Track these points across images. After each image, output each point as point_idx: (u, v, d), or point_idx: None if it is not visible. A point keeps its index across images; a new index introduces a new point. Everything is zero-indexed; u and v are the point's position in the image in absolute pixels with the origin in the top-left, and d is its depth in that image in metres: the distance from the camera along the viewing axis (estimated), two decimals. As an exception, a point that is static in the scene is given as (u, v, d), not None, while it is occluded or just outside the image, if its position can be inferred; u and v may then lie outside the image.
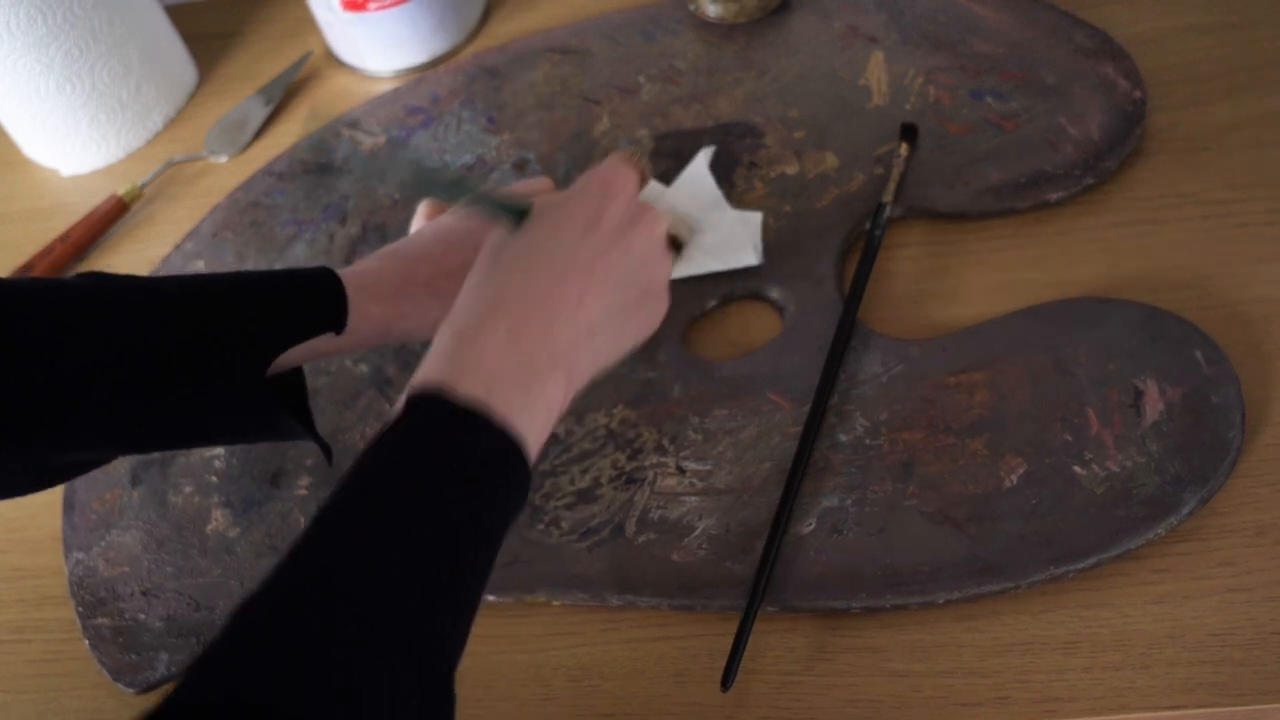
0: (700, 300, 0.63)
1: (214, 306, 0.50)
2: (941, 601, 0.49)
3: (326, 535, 0.38)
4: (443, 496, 0.39)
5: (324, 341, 0.52)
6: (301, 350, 0.51)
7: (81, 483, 0.64)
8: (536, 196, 0.50)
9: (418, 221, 0.61)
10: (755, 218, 0.64)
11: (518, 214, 0.48)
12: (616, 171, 0.50)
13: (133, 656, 0.57)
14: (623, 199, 0.49)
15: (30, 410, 0.47)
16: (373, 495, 0.39)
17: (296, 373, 0.54)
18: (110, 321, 0.48)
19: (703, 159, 0.68)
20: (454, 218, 0.58)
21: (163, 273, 0.74)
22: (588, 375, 0.46)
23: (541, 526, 0.55)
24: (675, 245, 0.63)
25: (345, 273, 0.53)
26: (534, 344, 0.43)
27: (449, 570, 0.38)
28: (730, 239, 0.64)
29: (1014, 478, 0.51)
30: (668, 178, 0.68)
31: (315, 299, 0.51)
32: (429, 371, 0.41)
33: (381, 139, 0.78)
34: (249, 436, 0.54)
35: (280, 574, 0.36)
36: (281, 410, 0.51)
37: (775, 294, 0.62)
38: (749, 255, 0.63)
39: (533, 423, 0.42)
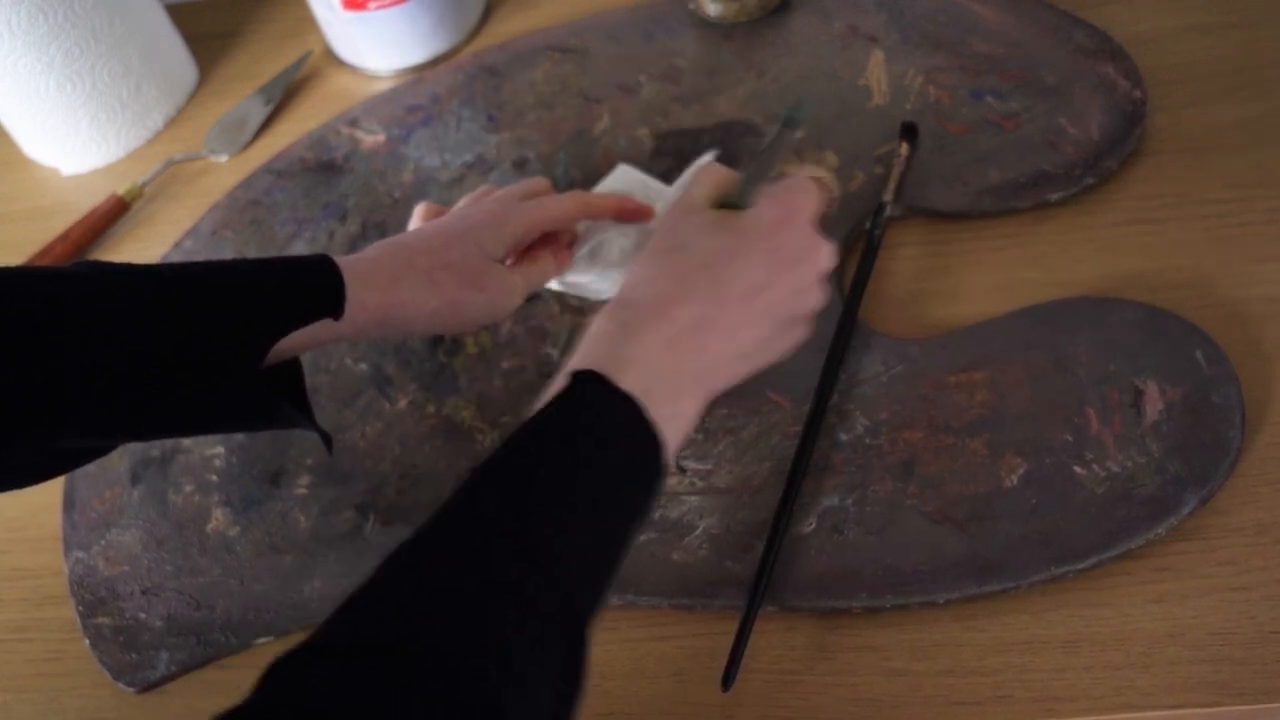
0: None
1: (212, 292, 0.50)
2: (941, 601, 0.49)
3: (483, 491, 0.40)
4: (594, 469, 0.41)
5: (322, 329, 0.52)
6: (300, 338, 0.51)
7: (81, 481, 0.64)
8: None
9: (415, 222, 0.61)
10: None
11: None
12: (805, 196, 0.50)
13: (133, 655, 0.57)
14: (801, 227, 0.50)
15: (29, 398, 0.47)
16: (530, 458, 0.41)
17: (294, 363, 0.54)
18: (108, 309, 0.48)
19: (706, 159, 0.68)
20: (454, 217, 0.58)
21: (163, 272, 0.74)
22: (718, 393, 0.47)
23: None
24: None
25: (343, 260, 0.53)
26: (686, 359, 0.45)
27: (593, 536, 0.40)
28: None
29: (1014, 477, 0.52)
30: (668, 178, 0.68)
31: (312, 285, 0.51)
32: (593, 353, 0.44)
33: (381, 137, 0.78)
34: (248, 424, 0.54)
35: (433, 524, 0.38)
36: (279, 397, 0.51)
37: (775, 293, 0.62)
38: None
39: (672, 435, 0.43)
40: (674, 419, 0.44)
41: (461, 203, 0.61)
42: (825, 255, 0.50)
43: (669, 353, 0.44)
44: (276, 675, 0.34)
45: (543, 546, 0.38)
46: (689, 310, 0.46)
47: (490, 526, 0.38)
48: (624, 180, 0.68)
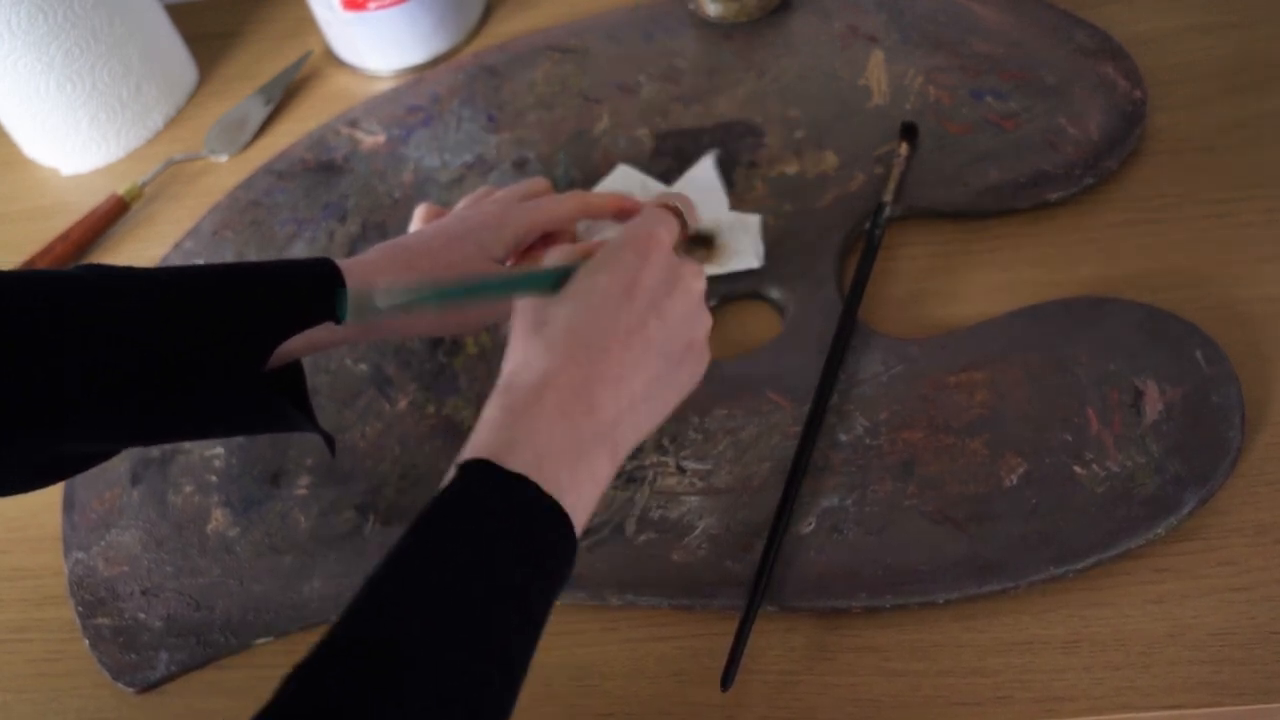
0: (700, 300, 0.63)
1: (213, 296, 0.50)
2: (941, 601, 0.49)
3: (382, 601, 0.38)
4: (495, 562, 0.39)
5: (323, 332, 0.52)
6: (301, 341, 0.51)
7: (81, 482, 0.64)
8: (576, 258, 0.50)
9: (416, 223, 0.61)
10: (754, 220, 0.64)
11: (555, 281, 0.48)
12: (651, 229, 0.49)
13: (133, 656, 0.57)
14: (657, 261, 0.48)
15: (31, 401, 0.47)
16: (426, 562, 0.39)
17: (296, 366, 0.54)
18: (110, 312, 0.48)
19: (709, 162, 0.68)
20: (454, 218, 0.58)
21: (163, 272, 0.74)
22: (632, 444, 0.46)
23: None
24: (707, 243, 0.64)
25: (344, 263, 0.53)
26: (579, 422, 0.43)
27: (501, 633, 0.39)
28: (731, 242, 0.64)
29: (1014, 477, 0.52)
30: (668, 178, 0.68)
31: (314, 288, 0.52)
32: (480, 442, 0.42)
33: (381, 137, 0.78)
34: (250, 427, 0.54)
35: (335, 639, 0.37)
36: (282, 399, 0.51)
37: (775, 294, 0.62)
38: (750, 258, 0.63)
39: (580, 498, 0.42)
40: (576, 483, 0.42)
41: (461, 204, 0.61)
42: (691, 277, 0.49)
43: (559, 423, 0.43)
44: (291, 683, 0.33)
45: (449, 655, 0.37)
46: (568, 375, 0.44)
47: (390, 643, 0.37)
48: (624, 180, 0.68)
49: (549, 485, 0.41)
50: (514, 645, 0.39)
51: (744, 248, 0.63)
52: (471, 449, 0.42)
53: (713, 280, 0.63)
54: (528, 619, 0.40)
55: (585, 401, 0.44)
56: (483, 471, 0.41)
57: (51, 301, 0.48)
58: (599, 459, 0.44)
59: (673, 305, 0.47)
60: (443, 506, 0.41)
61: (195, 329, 0.49)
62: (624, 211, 0.61)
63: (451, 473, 0.42)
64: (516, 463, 0.41)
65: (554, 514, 0.41)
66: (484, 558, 0.39)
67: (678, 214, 0.51)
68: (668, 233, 0.50)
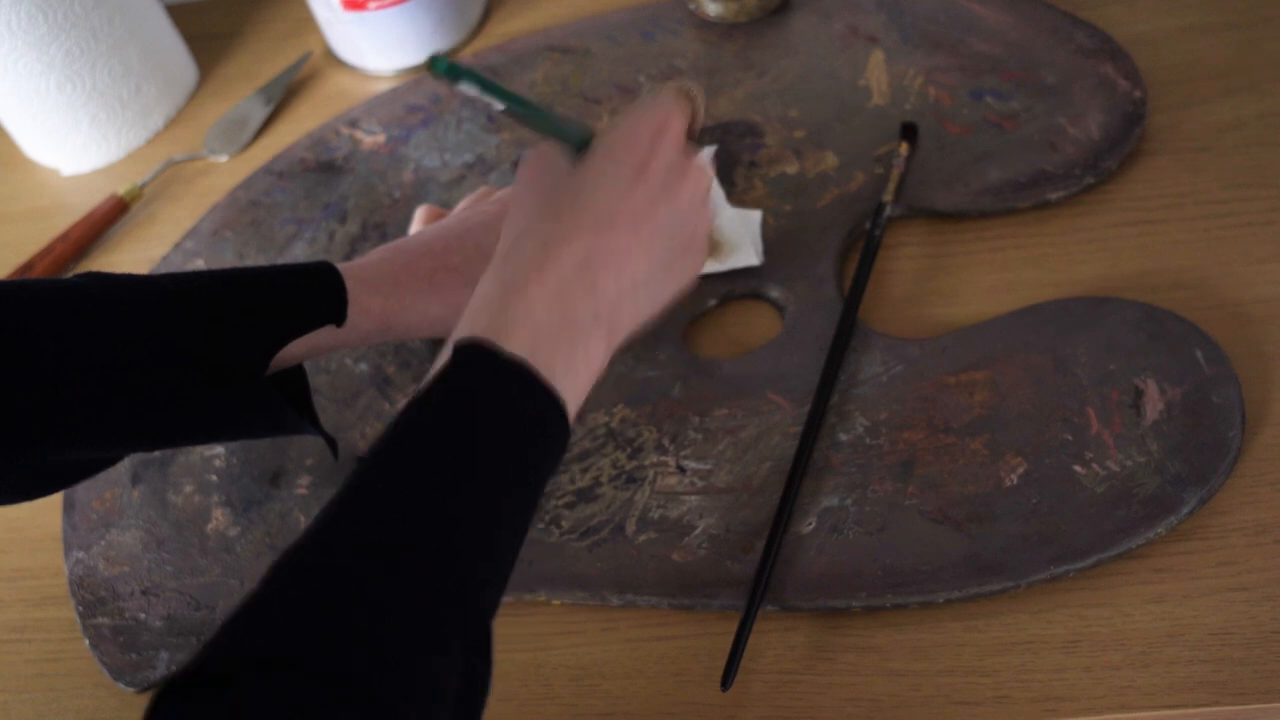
0: (700, 300, 0.63)
1: (214, 302, 0.50)
2: (941, 601, 0.49)
3: (369, 485, 0.38)
4: (485, 451, 0.39)
5: (324, 336, 0.52)
6: (302, 345, 0.51)
7: (81, 482, 0.64)
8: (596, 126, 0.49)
9: (416, 224, 0.61)
10: (755, 216, 0.64)
11: (580, 142, 0.47)
12: (667, 110, 0.48)
13: (133, 656, 0.57)
14: (670, 143, 0.47)
15: (33, 410, 0.47)
16: (416, 447, 0.39)
17: (298, 369, 0.54)
18: (111, 320, 0.48)
19: (706, 155, 0.68)
20: (454, 219, 0.58)
21: (163, 272, 0.74)
22: (627, 331, 0.45)
23: (542, 525, 0.55)
24: (710, 246, 0.64)
25: (345, 266, 0.53)
26: (579, 301, 0.42)
27: (489, 522, 0.38)
28: (731, 238, 0.64)
29: (1014, 477, 0.52)
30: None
31: (315, 292, 0.52)
32: (476, 322, 0.41)
33: (381, 137, 0.78)
34: (253, 432, 0.54)
35: (320, 524, 0.36)
36: (284, 403, 0.51)
37: (775, 294, 0.62)
38: (750, 255, 0.63)
39: (574, 383, 0.41)
40: (572, 366, 0.41)
41: (461, 205, 0.61)
42: (699, 172, 0.48)
43: (556, 301, 0.42)
44: (162, 707, 0.32)
45: (441, 543, 0.37)
46: (571, 249, 0.43)
47: (382, 528, 0.36)
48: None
49: (544, 368, 0.40)
50: (503, 534, 0.39)
51: (744, 244, 0.63)
52: (469, 326, 0.41)
53: (712, 279, 0.63)
54: (516, 510, 0.40)
55: (587, 279, 0.43)
56: (477, 360, 0.40)
57: (52, 311, 0.48)
58: (595, 341, 0.43)
59: (682, 192, 0.47)
60: (435, 396, 0.39)
61: (196, 335, 0.49)
62: None
63: (447, 353, 0.40)
64: (513, 344, 0.40)
65: (547, 405, 0.40)
66: (472, 452, 0.38)
67: (691, 101, 0.49)
68: (681, 117, 0.48)
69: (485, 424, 0.39)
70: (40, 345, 0.47)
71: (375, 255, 0.55)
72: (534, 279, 0.42)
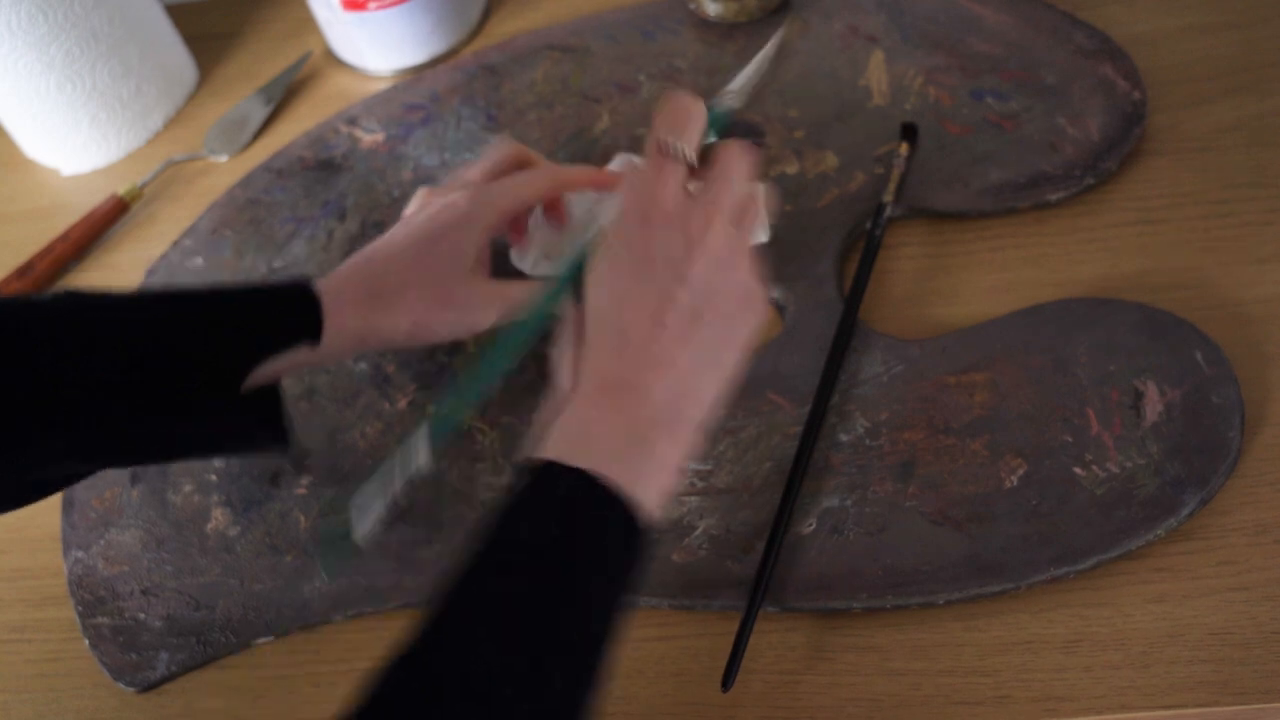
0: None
1: (190, 319, 0.50)
2: (941, 601, 0.49)
3: (461, 609, 0.39)
4: (569, 566, 0.39)
5: (300, 354, 0.52)
6: (279, 363, 0.52)
7: (81, 482, 0.64)
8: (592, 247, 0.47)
9: (413, 206, 0.60)
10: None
11: (572, 276, 0.47)
12: (644, 190, 0.45)
13: (133, 655, 0.57)
14: (662, 225, 0.44)
15: (9, 426, 0.47)
16: (502, 570, 0.39)
17: (273, 388, 0.54)
18: (85, 338, 0.49)
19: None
20: (417, 225, 0.57)
21: (160, 271, 0.74)
22: (700, 414, 0.44)
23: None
24: None
25: (320, 284, 0.53)
26: (633, 412, 0.42)
27: (581, 638, 0.39)
28: None
29: (1014, 478, 0.52)
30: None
31: (291, 311, 0.52)
32: (542, 446, 0.42)
33: (381, 136, 0.78)
34: (226, 450, 0.54)
35: (419, 643, 0.38)
36: (259, 421, 0.52)
37: (775, 294, 0.62)
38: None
39: (648, 485, 0.41)
40: (641, 471, 0.41)
41: (411, 207, 0.59)
42: (707, 226, 0.45)
43: (613, 415, 0.42)
44: None
45: (530, 660, 0.37)
46: (603, 374, 0.43)
47: (473, 650, 0.38)
48: (625, 167, 0.68)
49: (614, 477, 0.40)
50: (596, 649, 0.39)
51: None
52: (535, 450, 0.42)
53: None
54: (605, 622, 0.40)
55: (633, 393, 0.43)
56: (549, 478, 0.41)
57: (26, 329, 0.48)
58: (662, 443, 0.42)
59: (695, 267, 0.44)
60: (514, 514, 0.41)
61: (171, 353, 0.49)
62: (600, 184, 0.59)
63: (514, 479, 0.41)
64: (580, 460, 0.40)
65: (624, 512, 0.40)
66: (558, 567, 0.39)
67: (668, 151, 0.46)
68: (666, 183, 0.45)
69: (564, 532, 0.40)
70: (11, 362, 0.47)
71: (349, 270, 0.54)
72: (585, 403, 0.43)
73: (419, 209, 0.59)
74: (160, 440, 0.51)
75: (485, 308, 0.55)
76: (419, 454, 0.47)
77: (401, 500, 0.46)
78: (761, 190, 0.62)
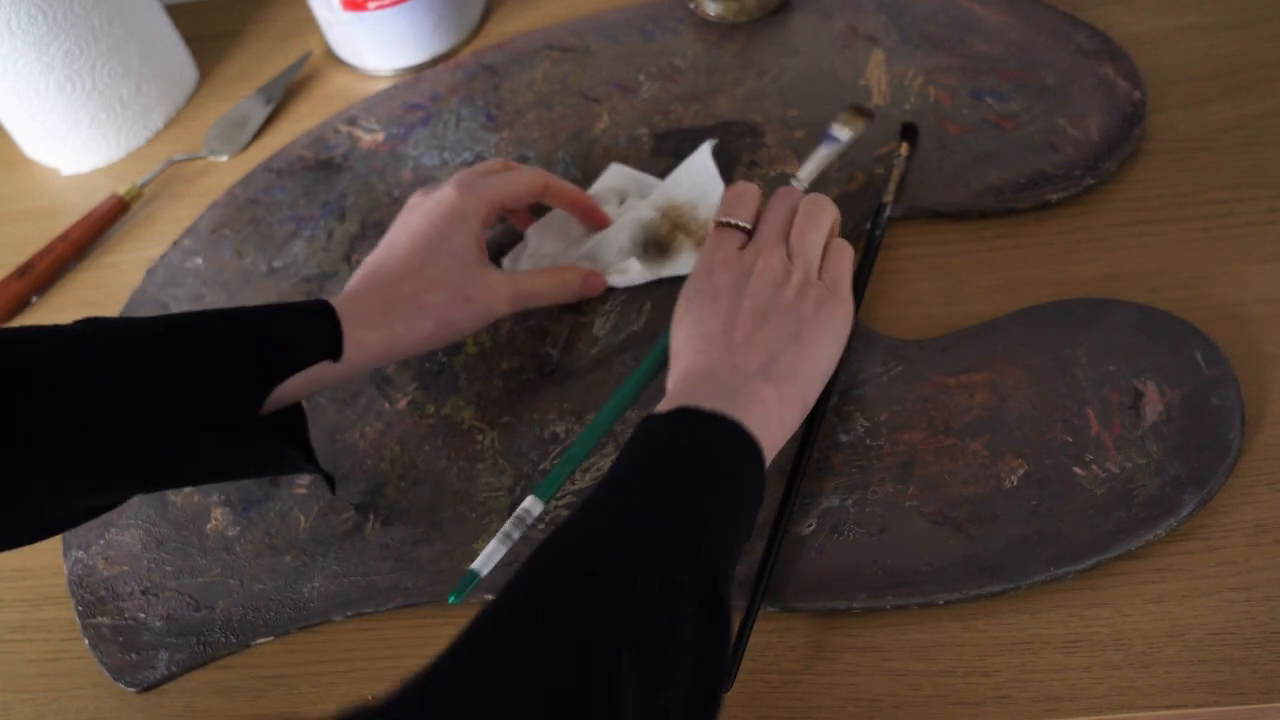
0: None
1: (207, 343, 0.50)
2: (941, 602, 0.49)
3: (621, 483, 0.45)
4: (710, 460, 0.46)
5: (322, 371, 0.52)
6: (301, 382, 0.52)
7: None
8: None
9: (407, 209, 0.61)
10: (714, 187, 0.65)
11: (659, 358, 0.56)
12: (713, 246, 0.56)
13: (133, 655, 0.57)
14: (722, 272, 0.54)
15: (32, 460, 0.47)
16: (655, 458, 0.46)
17: (296, 408, 0.54)
18: (107, 366, 0.48)
19: (706, 150, 0.68)
20: (418, 219, 0.58)
21: (160, 270, 0.74)
22: (792, 375, 0.50)
23: (543, 527, 0.55)
24: (696, 237, 0.64)
25: (336, 301, 0.54)
26: (724, 378, 0.49)
27: (722, 510, 0.45)
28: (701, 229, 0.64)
29: (1014, 478, 0.52)
30: (667, 177, 0.68)
31: (310, 329, 0.52)
32: (669, 402, 0.49)
33: (380, 135, 0.78)
34: (251, 470, 0.54)
35: (597, 493, 0.45)
36: (282, 442, 0.52)
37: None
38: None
39: (752, 416, 0.48)
40: (747, 407, 0.48)
41: (415, 196, 0.60)
42: (765, 262, 0.54)
43: (707, 382, 0.49)
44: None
45: (677, 525, 0.43)
46: (694, 367, 0.51)
47: (640, 497, 0.44)
48: (618, 178, 0.69)
49: (721, 409, 0.47)
50: (735, 521, 0.46)
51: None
52: (663, 405, 0.49)
53: None
54: (738, 506, 0.46)
55: (721, 368, 0.50)
56: (683, 411, 0.47)
57: (49, 358, 0.48)
58: (758, 386, 0.49)
59: (753, 286, 0.53)
60: (662, 424, 0.47)
61: (191, 376, 0.49)
62: (580, 205, 0.63)
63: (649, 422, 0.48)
64: (703, 405, 0.47)
65: (741, 432, 0.47)
66: (701, 460, 0.46)
67: (728, 226, 0.56)
68: (723, 244, 0.55)
69: (703, 439, 0.47)
70: (33, 395, 0.47)
71: (360, 287, 0.55)
72: (674, 391, 0.50)
73: (410, 210, 0.60)
74: (186, 465, 0.51)
75: (499, 293, 0.57)
76: (530, 514, 0.52)
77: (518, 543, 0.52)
78: (826, 207, 0.63)
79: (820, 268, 0.55)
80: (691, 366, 0.51)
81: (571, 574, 0.40)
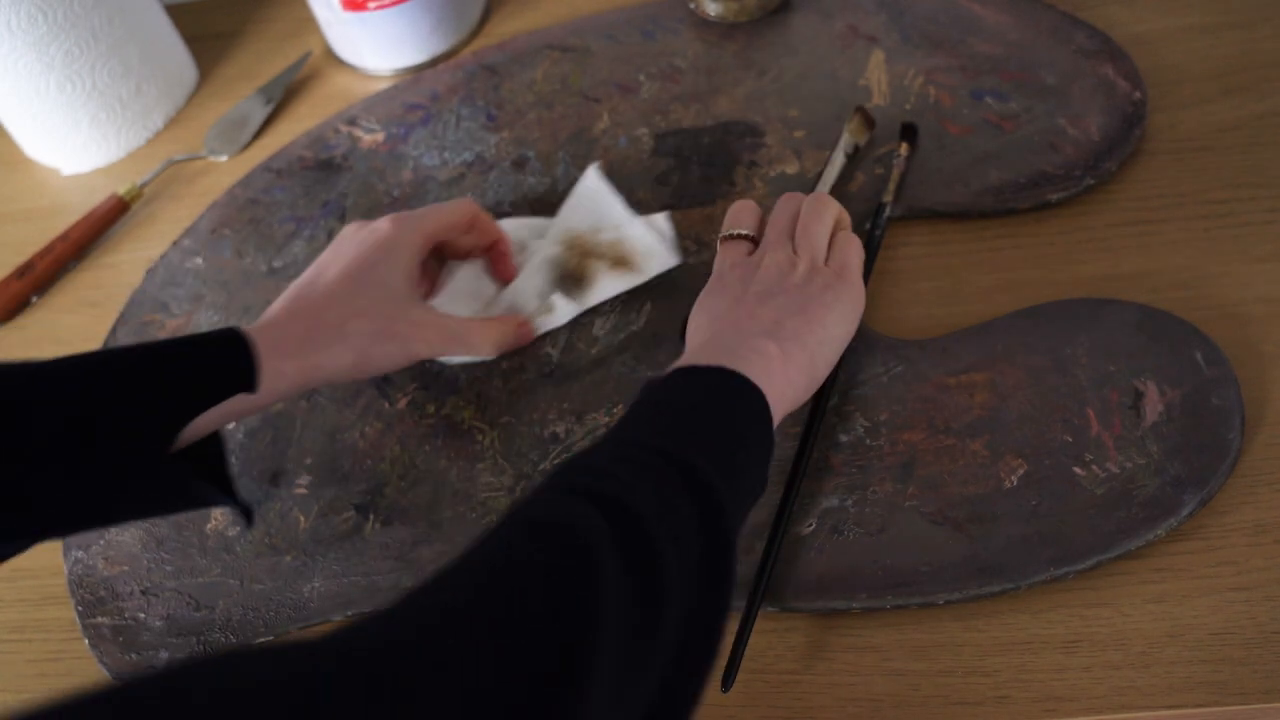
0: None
1: (115, 379, 0.49)
2: (941, 602, 0.49)
3: (636, 423, 0.47)
4: (721, 405, 0.47)
5: (238, 403, 0.51)
6: (216, 414, 0.51)
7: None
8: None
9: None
10: (660, 219, 0.64)
11: None
12: (721, 256, 0.57)
13: (133, 655, 0.57)
14: (733, 269, 0.56)
15: None
16: (647, 408, 0.48)
17: (214, 438, 0.53)
18: (6, 408, 0.47)
19: (593, 173, 0.67)
20: (350, 246, 0.57)
21: (160, 270, 0.74)
22: (798, 340, 0.51)
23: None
24: (619, 259, 0.63)
25: (254, 329, 0.52)
26: (731, 342, 0.50)
27: (725, 449, 0.45)
28: (645, 248, 0.63)
29: (1014, 478, 0.52)
30: (668, 177, 0.68)
31: (221, 360, 0.51)
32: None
33: (380, 135, 0.78)
34: (166, 507, 0.53)
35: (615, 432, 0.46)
36: (194, 477, 0.51)
37: (775, 294, 0.62)
38: (668, 258, 0.63)
39: (752, 367, 0.48)
40: (747, 360, 0.49)
41: (343, 237, 0.60)
42: (769, 258, 0.55)
43: (710, 345, 0.51)
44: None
45: (683, 445, 0.44)
46: (705, 338, 0.52)
47: (658, 436, 0.45)
48: (513, 229, 0.66)
49: (729, 366, 0.48)
50: (737, 461, 0.46)
51: (657, 250, 0.63)
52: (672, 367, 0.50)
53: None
54: (746, 448, 0.47)
55: (727, 335, 0.51)
56: (691, 369, 0.49)
57: None
58: (761, 342, 0.50)
59: (760, 274, 0.54)
60: (676, 377, 0.49)
61: (97, 415, 0.48)
62: (498, 248, 0.63)
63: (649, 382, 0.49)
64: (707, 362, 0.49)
65: (745, 384, 0.47)
66: (714, 405, 0.47)
67: (732, 238, 0.58)
68: (730, 252, 0.57)
69: (710, 386, 0.48)
70: None
71: (282, 312, 0.54)
72: (686, 356, 0.51)
73: (344, 239, 0.59)
74: (97, 506, 0.49)
75: (425, 338, 0.56)
76: None
77: None
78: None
79: (828, 259, 0.55)
80: (695, 343, 0.53)
81: (561, 491, 0.41)
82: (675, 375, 0.49)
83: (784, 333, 0.51)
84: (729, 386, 0.48)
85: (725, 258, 0.57)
